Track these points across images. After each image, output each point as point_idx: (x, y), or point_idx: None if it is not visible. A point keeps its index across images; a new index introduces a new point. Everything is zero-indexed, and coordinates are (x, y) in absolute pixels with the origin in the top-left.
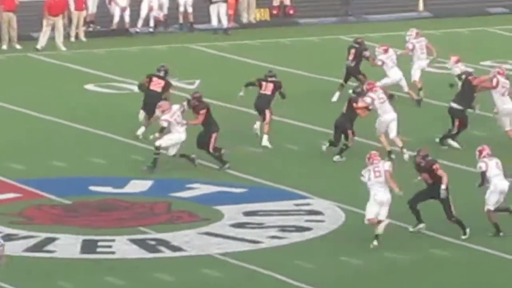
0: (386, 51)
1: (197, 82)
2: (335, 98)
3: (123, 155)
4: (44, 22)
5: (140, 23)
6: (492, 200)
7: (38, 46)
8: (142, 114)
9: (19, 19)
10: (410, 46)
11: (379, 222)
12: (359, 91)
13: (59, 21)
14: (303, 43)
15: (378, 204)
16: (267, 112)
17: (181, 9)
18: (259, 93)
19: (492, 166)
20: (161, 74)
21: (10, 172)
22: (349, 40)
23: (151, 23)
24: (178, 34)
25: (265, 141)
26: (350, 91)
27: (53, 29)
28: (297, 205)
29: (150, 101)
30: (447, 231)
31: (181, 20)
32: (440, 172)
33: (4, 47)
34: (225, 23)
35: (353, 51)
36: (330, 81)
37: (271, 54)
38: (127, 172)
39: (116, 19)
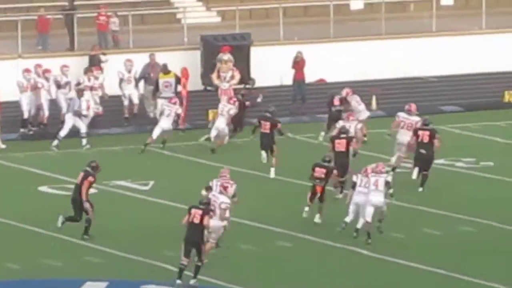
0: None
1: (151, 183)
2: None
3: (77, 256)
4: None
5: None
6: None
7: None
8: None
9: None
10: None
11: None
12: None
13: None
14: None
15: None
16: (274, 147)
17: (126, 102)
18: (261, 132)
19: (372, 182)
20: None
21: None
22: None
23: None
24: (133, 135)
25: (272, 174)
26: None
27: None
28: None
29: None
30: None
31: (126, 114)
32: None
33: None
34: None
35: None
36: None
37: (222, 154)
38: (82, 273)
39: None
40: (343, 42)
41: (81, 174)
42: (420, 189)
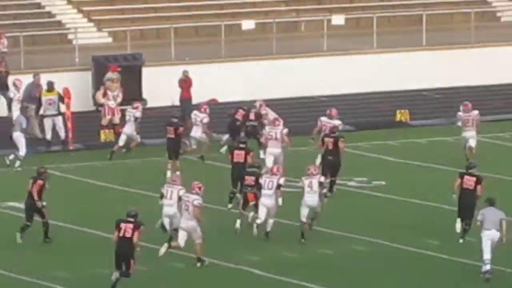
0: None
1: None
2: None
3: None
4: None
5: None
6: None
7: None
8: None
9: None
10: None
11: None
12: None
13: None
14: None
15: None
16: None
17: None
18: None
19: (306, 184)
20: None
21: None
22: None
23: None
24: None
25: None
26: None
27: None
28: None
29: None
30: None
31: None
32: None
33: None
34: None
35: None
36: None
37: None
38: None
39: None
40: (234, 62)
41: (31, 181)
42: (329, 193)
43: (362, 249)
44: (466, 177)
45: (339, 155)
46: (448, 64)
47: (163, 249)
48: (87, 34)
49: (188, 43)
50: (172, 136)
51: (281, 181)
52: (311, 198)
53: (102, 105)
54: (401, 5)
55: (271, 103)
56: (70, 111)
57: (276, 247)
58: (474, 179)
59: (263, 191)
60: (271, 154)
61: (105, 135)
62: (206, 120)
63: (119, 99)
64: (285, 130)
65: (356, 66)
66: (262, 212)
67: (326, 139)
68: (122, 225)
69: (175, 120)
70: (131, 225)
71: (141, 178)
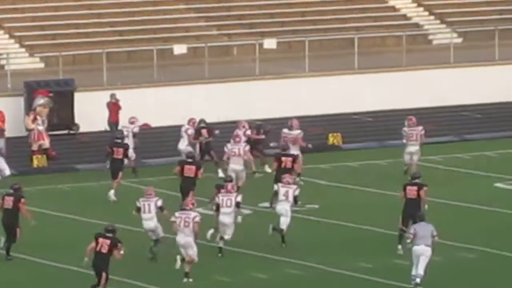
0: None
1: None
2: None
3: None
4: None
5: None
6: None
7: None
8: None
9: None
10: None
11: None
12: None
13: None
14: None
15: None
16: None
17: None
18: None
19: (281, 192)
20: None
21: None
22: None
23: None
24: None
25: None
26: None
27: None
28: None
29: None
30: None
31: None
32: None
33: None
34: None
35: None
36: None
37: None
38: None
39: None
40: (167, 87)
41: (8, 198)
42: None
43: (296, 273)
44: (408, 187)
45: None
46: (380, 88)
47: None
48: (19, 60)
49: (121, 68)
50: (120, 157)
51: (239, 198)
52: (282, 206)
53: (31, 130)
54: (333, 29)
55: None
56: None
57: (210, 269)
58: (415, 187)
59: (222, 209)
60: (233, 171)
61: (37, 161)
62: (190, 131)
63: (45, 124)
64: (247, 147)
65: (288, 89)
66: (222, 230)
67: (283, 158)
68: (100, 239)
69: (120, 141)
70: (108, 241)
71: (72, 203)
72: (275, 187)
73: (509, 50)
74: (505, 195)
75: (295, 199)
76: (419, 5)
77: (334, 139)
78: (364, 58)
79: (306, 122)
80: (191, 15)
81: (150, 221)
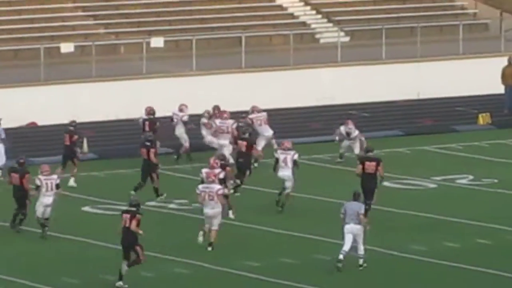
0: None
1: None
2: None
3: None
4: None
5: None
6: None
7: None
8: None
9: None
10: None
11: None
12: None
13: None
14: None
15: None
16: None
17: None
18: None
19: (281, 159)
20: None
21: None
22: None
23: None
24: None
25: None
26: None
27: None
28: None
29: None
30: None
31: None
32: None
33: None
34: None
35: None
36: None
37: None
38: None
39: None
40: (54, 85)
41: (15, 175)
42: (237, 194)
43: (184, 272)
44: (366, 163)
45: (250, 158)
46: (267, 86)
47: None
48: None
49: (8, 66)
50: (68, 143)
51: (221, 175)
52: (284, 172)
53: None
54: (220, 27)
55: (92, 126)
56: None
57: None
58: (374, 163)
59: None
60: (222, 145)
61: None
62: (185, 118)
63: None
64: (235, 124)
65: (176, 88)
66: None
67: (239, 141)
68: (124, 215)
69: (72, 128)
70: (128, 215)
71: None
72: (275, 154)
73: (396, 49)
74: (390, 194)
75: (295, 163)
76: (306, 4)
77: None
78: (251, 56)
79: (195, 120)
80: (78, 14)
81: (49, 197)
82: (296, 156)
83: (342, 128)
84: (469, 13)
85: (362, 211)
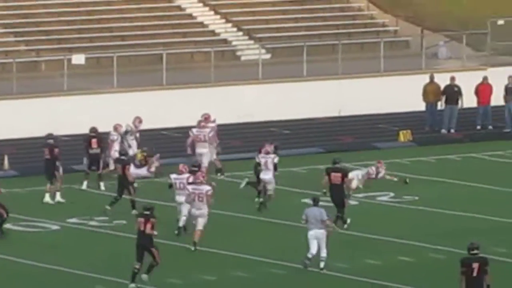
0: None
1: None
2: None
3: None
4: None
5: None
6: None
7: None
8: None
9: None
10: None
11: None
12: None
13: None
14: None
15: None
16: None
17: None
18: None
19: (262, 162)
20: None
21: None
22: None
23: None
24: None
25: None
26: None
27: None
28: None
29: None
30: None
31: None
32: None
33: None
34: None
35: None
36: None
37: None
38: None
39: None
40: None
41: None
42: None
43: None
44: (332, 174)
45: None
46: (188, 103)
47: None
48: None
49: None
50: (48, 157)
51: (191, 179)
52: (266, 175)
53: None
54: (141, 45)
55: (13, 143)
56: None
57: None
58: (340, 174)
59: (176, 191)
60: (200, 154)
61: None
62: (212, 134)
63: None
64: (212, 133)
65: (96, 105)
66: (183, 208)
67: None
68: (139, 219)
69: (51, 141)
70: (143, 219)
71: None
72: (256, 158)
73: (317, 66)
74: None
75: (275, 166)
76: (228, 21)
77: (141, 155)
78: (172, 73)
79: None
80: None
81: None
82: (276, 160)
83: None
84: (390, 31)
85: (324, 216)
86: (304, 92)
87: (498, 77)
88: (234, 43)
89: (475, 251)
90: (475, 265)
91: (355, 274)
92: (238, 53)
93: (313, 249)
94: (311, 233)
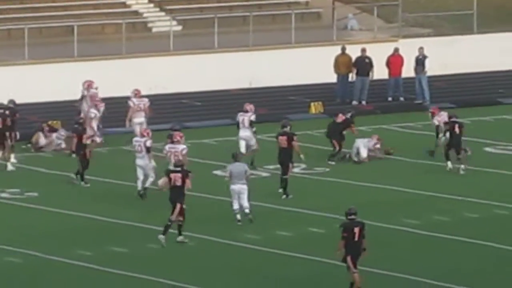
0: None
1: None
2: None
3: None
4: None
5: None
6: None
7: None
8: None
9: None
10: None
11: None
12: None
13: None
14: None
15: None
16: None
17: None
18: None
19: (239, 120)
20: None
21: None
22: None
23: None
24: None
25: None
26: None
27: None
28: None
29: None
30: None
31: None
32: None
33: None
34: None
35: None
36: None
37: None
38: None
39: None
40: None
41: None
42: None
43: (15, 261)
44: (280, 137)
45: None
46: (100, 75)
47: None
48: None
49: None
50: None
51: (148, 143)
52: (243, 132)
53: None
54: (53, 16)
55: None
56: None
57: None
58: (285, 137)
59: (136, 154)
60: (140, 123)
61: None
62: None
63: None
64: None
65: (8, 76)
66: (139, 173)
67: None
68: (172, 175)
69: (3, 111)
70: (179, 175)
71: None
72: (237, 117)
73: (228, 38)
74: (224, 183)
75: (251, 123)
76: None
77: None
78: (84, 45)
79: (25, 110)
80: None
81: None
82: (253, 117)
83: None
84: (301, 2)
85: (248, 170)
86: (216, 64)
87: (409, 48)
88: (145, 15)
89: (353, 216)
90: (356, 230)
91: (266, 245)
92: (149, 24)
93: (236, 205)
94: (234, 188)
